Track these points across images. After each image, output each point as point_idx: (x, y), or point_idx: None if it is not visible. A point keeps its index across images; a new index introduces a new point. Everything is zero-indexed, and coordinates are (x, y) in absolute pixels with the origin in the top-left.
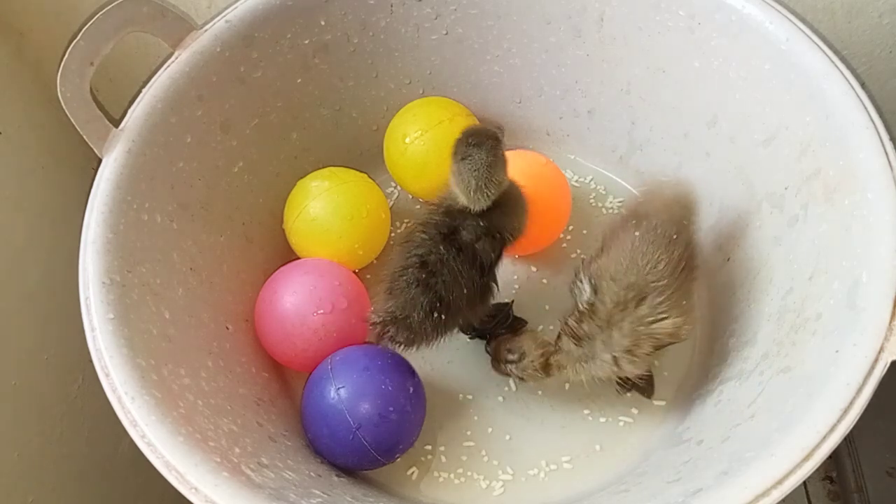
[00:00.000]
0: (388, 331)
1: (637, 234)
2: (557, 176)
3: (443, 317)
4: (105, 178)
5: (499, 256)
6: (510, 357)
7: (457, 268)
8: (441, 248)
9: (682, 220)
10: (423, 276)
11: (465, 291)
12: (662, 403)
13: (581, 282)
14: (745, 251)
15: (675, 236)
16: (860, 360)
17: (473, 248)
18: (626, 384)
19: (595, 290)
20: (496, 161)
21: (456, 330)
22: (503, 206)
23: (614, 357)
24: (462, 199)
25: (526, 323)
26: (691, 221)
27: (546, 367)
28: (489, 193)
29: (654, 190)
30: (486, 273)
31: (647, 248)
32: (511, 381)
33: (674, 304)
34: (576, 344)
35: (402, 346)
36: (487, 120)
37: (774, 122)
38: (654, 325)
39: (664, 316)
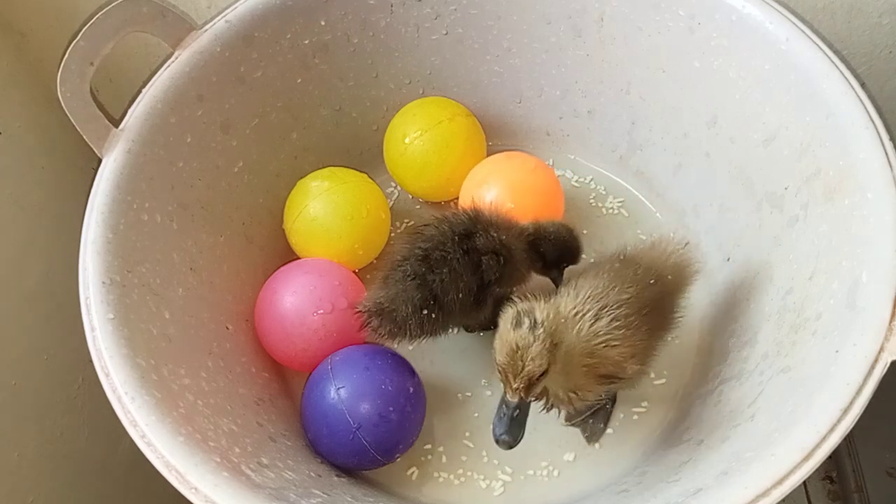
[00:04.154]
0: (372, 321)
1: (617, 265)
2: (548, 178)
3: (433, 315)
4: (105, 178)
5: (495, 280)
6: (526, 323)
7: (459, 270)
8: (448, 245)
9: (668, 278)
10: (423, 270)
11: (460, 296)
12: (597, 447)
13: (548, 296)
14: (745, 251)
15: (651, 282)
16: (860, 360)
17: (480, 257)
18: (574, 417)
19: (558, 295)
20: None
21: (451, 331)
22: (525, 255)
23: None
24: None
25: None
26: (679, 288)
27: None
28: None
29: (658, 245)
30: (485, 287)
31: (618, 276)
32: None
33: (628, 338)
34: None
35: (385, 338)
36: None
37: (774, 122)
38: (605, 349)
39: (616, 343)
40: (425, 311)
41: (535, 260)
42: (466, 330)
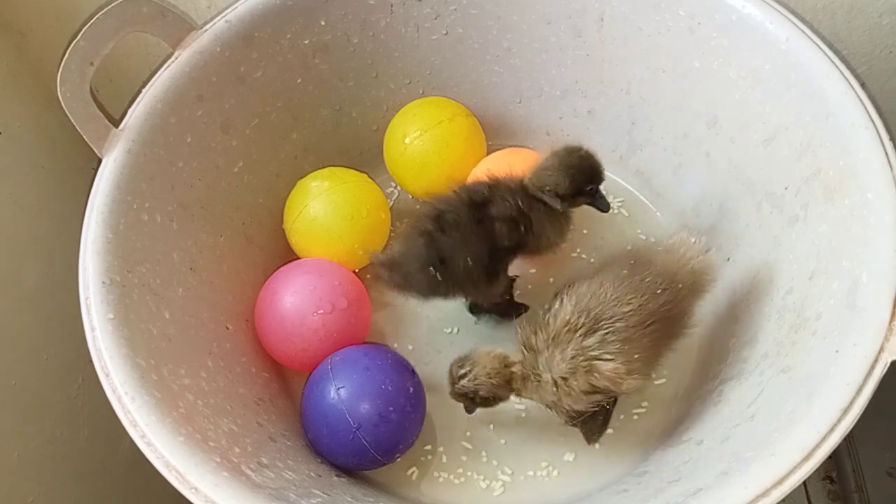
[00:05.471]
0: (383, 272)
1: (624, 272)
2: None
3: (438, 277)
4: (105, 178)
5: (511, 250)
6: (461, 371)
7: (470, 236)
8: (463, 211)
9: (679, 285)
10: (432, 228)
11: (469, 262)
12: (597, 447)
13: (555, 297)
14: (745, 251)
15: (658, 291)
16: (860, 360)
17: (493, 224)
18: (574, 418)
19: (559, 306)
20: (576, 174)
21: (464, 299)
22: (551, 216)
23: (553, 380)
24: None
25: (527, 308)
26: (692, 296)
27: (504, 377)
28: (547, 182)
29: (676, 248)
30: (495, 258)
31: (621, 285)
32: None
33: (624, 353)
34: (525, 354)
35: (393, 290)
36: None
37: (774, 122)
38: (595, 363)
39: (609, 358)
40: (431, 269)
41: (573, 198)
42: (471, 310)
